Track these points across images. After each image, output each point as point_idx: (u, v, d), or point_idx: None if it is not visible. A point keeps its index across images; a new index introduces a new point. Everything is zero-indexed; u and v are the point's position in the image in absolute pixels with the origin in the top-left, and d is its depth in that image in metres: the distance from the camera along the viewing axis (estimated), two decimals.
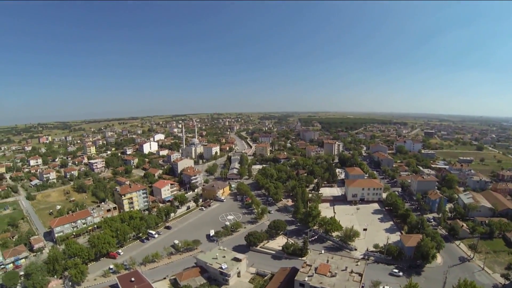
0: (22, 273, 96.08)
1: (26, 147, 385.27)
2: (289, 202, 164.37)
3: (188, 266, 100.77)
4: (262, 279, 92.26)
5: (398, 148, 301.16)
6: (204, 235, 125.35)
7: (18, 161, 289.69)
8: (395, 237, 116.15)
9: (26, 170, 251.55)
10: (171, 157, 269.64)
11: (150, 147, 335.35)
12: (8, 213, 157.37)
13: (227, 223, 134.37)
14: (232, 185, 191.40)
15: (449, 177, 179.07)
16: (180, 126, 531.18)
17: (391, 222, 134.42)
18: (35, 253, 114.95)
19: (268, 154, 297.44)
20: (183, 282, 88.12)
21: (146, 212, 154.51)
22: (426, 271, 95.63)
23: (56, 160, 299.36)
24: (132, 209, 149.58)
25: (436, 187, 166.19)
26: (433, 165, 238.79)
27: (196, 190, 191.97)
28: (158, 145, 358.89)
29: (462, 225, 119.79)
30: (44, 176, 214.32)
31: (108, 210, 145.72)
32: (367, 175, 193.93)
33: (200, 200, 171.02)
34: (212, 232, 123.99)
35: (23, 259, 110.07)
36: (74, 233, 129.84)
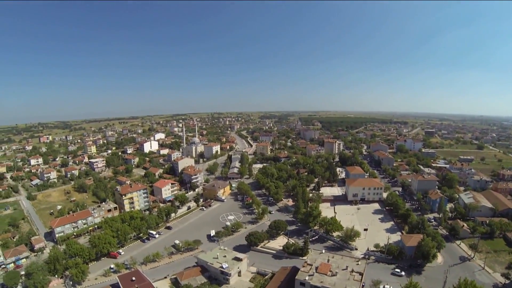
0: (23, 272, 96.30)
1: (26, 147, 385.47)
2: (290, 202, 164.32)
3: (189, 266, 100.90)
4: (263, 278, 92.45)
5: (399, 147, 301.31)
6: (204, 235, 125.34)
7: (19, 160, 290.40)
8: (395, 237, 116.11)
9: (27, 169, 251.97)
10: (172, 156, 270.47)
11: (150, 146, 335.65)
12: (9, 213, 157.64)
13: (228, 223, 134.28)
14: (233, 185, 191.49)
15: (450, 176, 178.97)
16: (180, 125, 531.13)
17: (392, 222, 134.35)
18: (36, 253, 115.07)
19: (269, 153, 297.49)
20: (184, 281, 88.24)
21: (147, 212, 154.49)
22: (427, 270, 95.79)
23: (57, 159, 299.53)
24: (132, 209, 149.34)
25: (436, 187, 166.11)
26: (433, 164, 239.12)
27: (196, 190, 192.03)
28: (158, 144, 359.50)
29: (463, 225, 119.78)
30: (45, 175, 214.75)
31: (109, 210, 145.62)
32: (368, 174, 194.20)
33: (201, 200, 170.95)
34: (212, 232, 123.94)
35: (24, 259, 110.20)
36: (74, 233, 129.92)
